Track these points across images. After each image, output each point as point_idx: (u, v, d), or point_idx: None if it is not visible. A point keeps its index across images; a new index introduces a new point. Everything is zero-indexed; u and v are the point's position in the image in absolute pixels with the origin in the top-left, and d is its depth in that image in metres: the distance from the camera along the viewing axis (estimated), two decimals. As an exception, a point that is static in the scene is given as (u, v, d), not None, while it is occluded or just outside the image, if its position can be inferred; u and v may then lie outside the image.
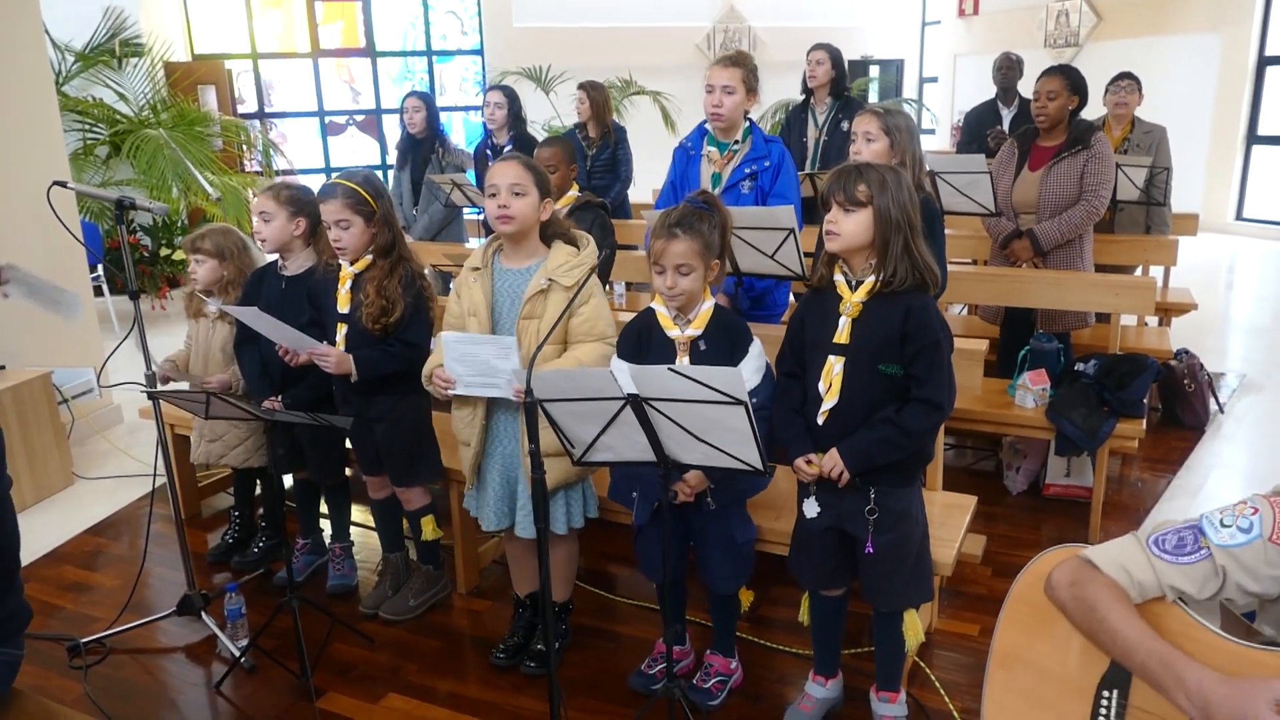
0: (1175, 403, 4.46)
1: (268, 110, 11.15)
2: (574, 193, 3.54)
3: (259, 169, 9.20)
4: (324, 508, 3.42)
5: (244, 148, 8.81)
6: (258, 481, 3.68)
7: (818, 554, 2.33)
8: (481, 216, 6.24)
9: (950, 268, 4.32)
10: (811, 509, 2.28)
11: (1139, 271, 4.98)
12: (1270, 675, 1.16)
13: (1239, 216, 10.07)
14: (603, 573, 3.36)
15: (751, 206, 3.23)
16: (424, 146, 5.55)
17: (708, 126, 3.43)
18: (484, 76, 11.90)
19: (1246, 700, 1.13)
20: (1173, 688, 1.20)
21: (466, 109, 12.20)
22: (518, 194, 2.48)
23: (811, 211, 3.68)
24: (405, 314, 2.77)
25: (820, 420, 2.18)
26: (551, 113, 9.82)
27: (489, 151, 5.49)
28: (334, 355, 2.76)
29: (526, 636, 2.87)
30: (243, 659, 2.82)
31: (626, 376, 1.86)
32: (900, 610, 2.34)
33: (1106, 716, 1.36)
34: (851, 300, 2.14)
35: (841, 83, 5.12)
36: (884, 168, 2.17)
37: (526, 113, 5.72)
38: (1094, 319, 4.09)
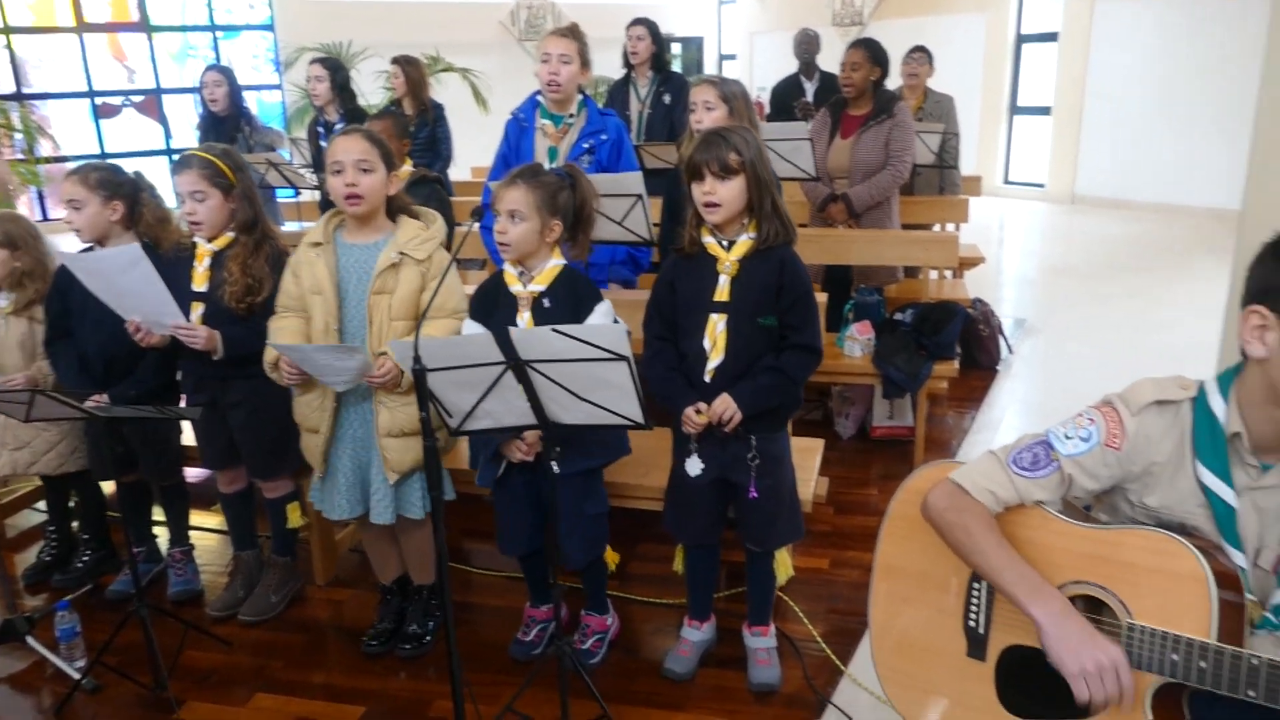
0: (974, 346, 4.94)
1: (25, 91, 10.04)
2: (407, 168, 3.45)
3: (20, 155, 8.29)
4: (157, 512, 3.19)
5: (-1, 131, 7.92)
6: (72, 491, 3.37)
7: (700, 510, 2.42)
8: (296, 199, 5.95)
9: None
10: (695, 467, 2.35)
11: (936, 229, 5.45)
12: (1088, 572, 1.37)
13: (1006, 180, 11.16)
14: (461, 549, 3.34)
15: (598, 174, 3.26)
16: (228, 124, 5.21)
17: (540, 99, 3.41)
18: (277, 53, 11.23)
19: (1082, 644, 1.32)
20: (1034, 607, 1.38)
21: (260, 88, 11.48)
22: (365, 170, 2.40)
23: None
24: (273, 292, 2.62)
25: (708, 378, 2.27)
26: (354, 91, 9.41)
27: (320, 129, 5.22)
28: (203, 332, 2.58)
29: (397, 621, 2.81)
30: (84, 680, 2.60)
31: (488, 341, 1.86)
32: (776, 549, 2.49)
33: (978, 604, 1.53)
34: (730, 260, 2.24)
35: (662, 56, 5.23)
36: (743, 130, 2.27)
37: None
38: (902, 274, 4.45)
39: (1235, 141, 7.20)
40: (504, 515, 2.53)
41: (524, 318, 2.34)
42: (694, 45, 14.18)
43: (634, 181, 2.96)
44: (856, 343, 3.71)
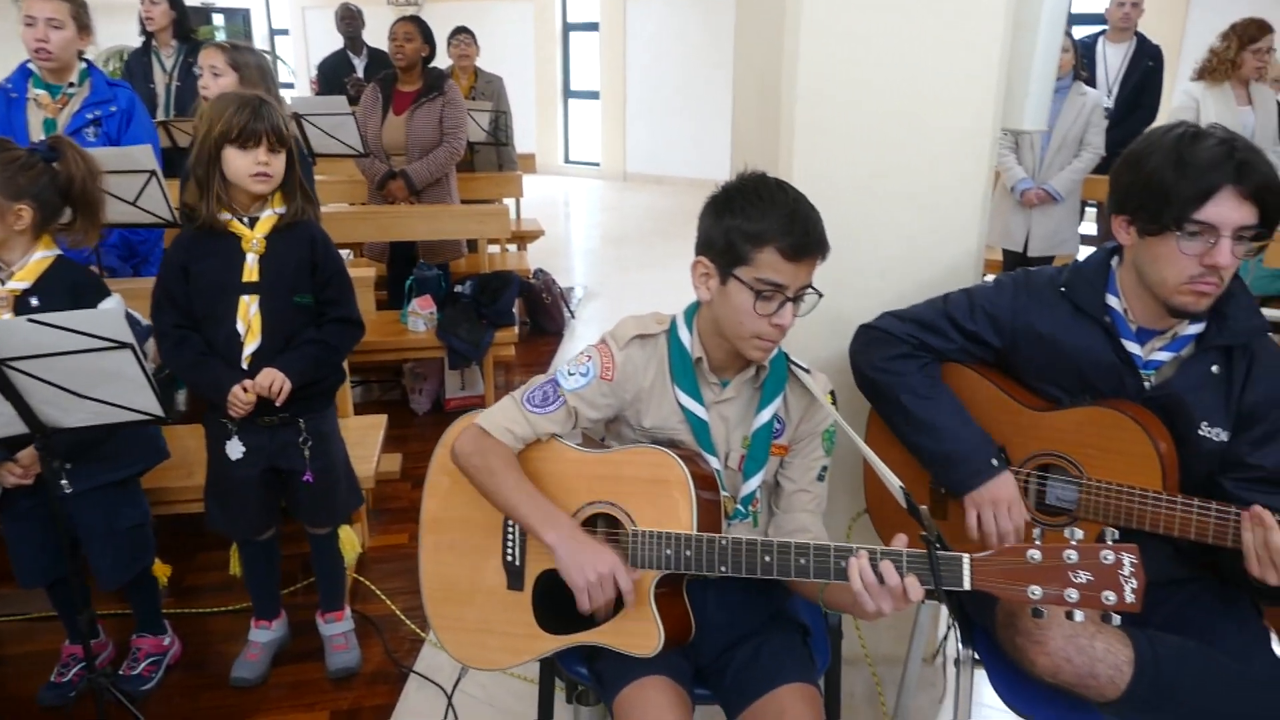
0: (538, 314, 5.24)
1: None
2: None
3: None
4: None
5: None
6: None
7: (250, 500, 2.28)
8: None
9: (332, 209, 4.43)
10: (236, 450, 2.21)
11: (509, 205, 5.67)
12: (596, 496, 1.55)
13: (567, 160, 11.90)
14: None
15: (106, 147, 2.91)
16: None
17: (32, 66, 3.00)
18: None
19: (585, 559, 1.47)
20: (547, 532, 1.51)
21: None
22: None
23: (173, 164, 3.44)
24: None
25: (246, 364, 2.13)
26: None
27: None
28: None
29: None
30: None
31: None
32: (338, 526, 2.43)
33: (513, 542, 1.64)
34: (255, 237, 2.12)
35: (185, 24, 4.76)
36: (275, 104, 2.16)
37: None
38: (467, 249, 4.57)
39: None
40: (16, 544, 2.17)
41: (3, 319, 2.01)
42: (239, 17, 13.09)
43: (144, 156, 2.67)
44: (420, 317, 3.75)
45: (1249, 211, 1.43)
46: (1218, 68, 4.11)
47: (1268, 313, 4.67)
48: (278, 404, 2.12)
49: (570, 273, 6.87)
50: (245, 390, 2.10)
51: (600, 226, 9.17)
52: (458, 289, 3.92)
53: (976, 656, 1.73)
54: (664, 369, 1.62)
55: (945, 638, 2.37)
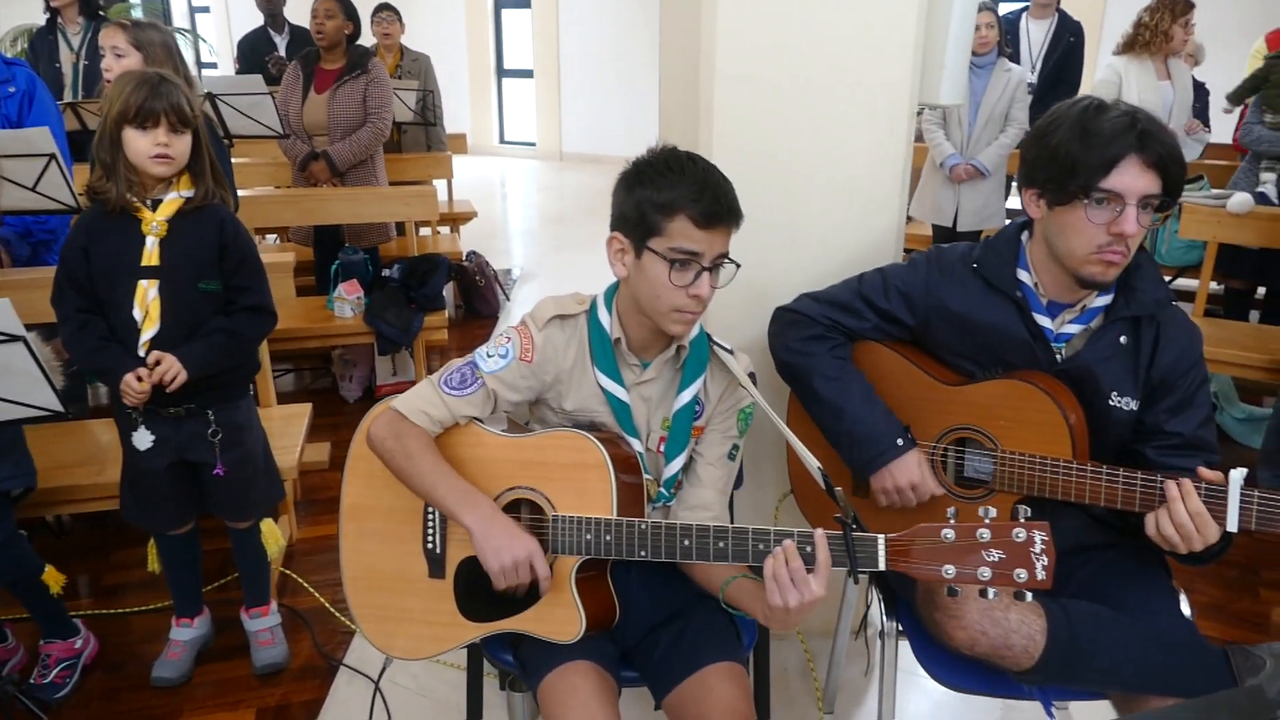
0: (472, 297, 5.16)
1: None
2: None
3: None
4: None
5: None
6: None
7: (162, 493, 2.21)
8: None
9: (254, 192, 4.30)
10: (144, 440, 2.13)
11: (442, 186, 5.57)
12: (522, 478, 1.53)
13: (502, 140, 11.74)
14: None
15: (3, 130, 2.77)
16: None
17: None
18: None
19: (502, 543, 1.45)
20: (465, 515, 1.48)
21: None
22: None
23: (83, 148, 3.29)
24: None
25: (142, 351, 2.05)
26: None
27: None
28: None
29: None
30: None
31: None
32: (259, 520, 2.37)
33: (433, 529, 1.61)
34: (157, 220, 2.03)
35: (92, 0, 4.55)
36: (180, 83, 2.08)
37: None
38: (395, 232, 4.47)
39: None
40: None
41: None
42: (156, -7, 12.60)
43: (43, 139, 2.54)
44: (346, 303, 3.66)
45: (1152, 180, 1.46)
46: (1150, 40, 4.19)
47: (1182, 282, 4.84)
48: (168, 391, 2.03)
49: (508, 254, 6.78)
50: (140, 379, 2.02)
51: (537, 207, 9.07)
52: (386, 273, 3.84)
53: (900, 629, 1.76)
54: (584, 350, 1.59)
55: (866, 612, 2.40)
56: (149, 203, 2.04)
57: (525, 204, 9.30)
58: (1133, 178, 1.45)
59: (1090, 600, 1.56)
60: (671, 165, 1.46)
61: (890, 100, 1.97)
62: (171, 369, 2.02)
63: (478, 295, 5.15)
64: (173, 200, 2.05)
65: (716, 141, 1.98)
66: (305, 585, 2.76)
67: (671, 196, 1.43)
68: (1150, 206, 1.49)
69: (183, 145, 2.01)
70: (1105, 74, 4.36)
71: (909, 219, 5.25)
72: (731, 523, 1.66)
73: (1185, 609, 1.67)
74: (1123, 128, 1.45)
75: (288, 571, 2.81)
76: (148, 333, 2.04)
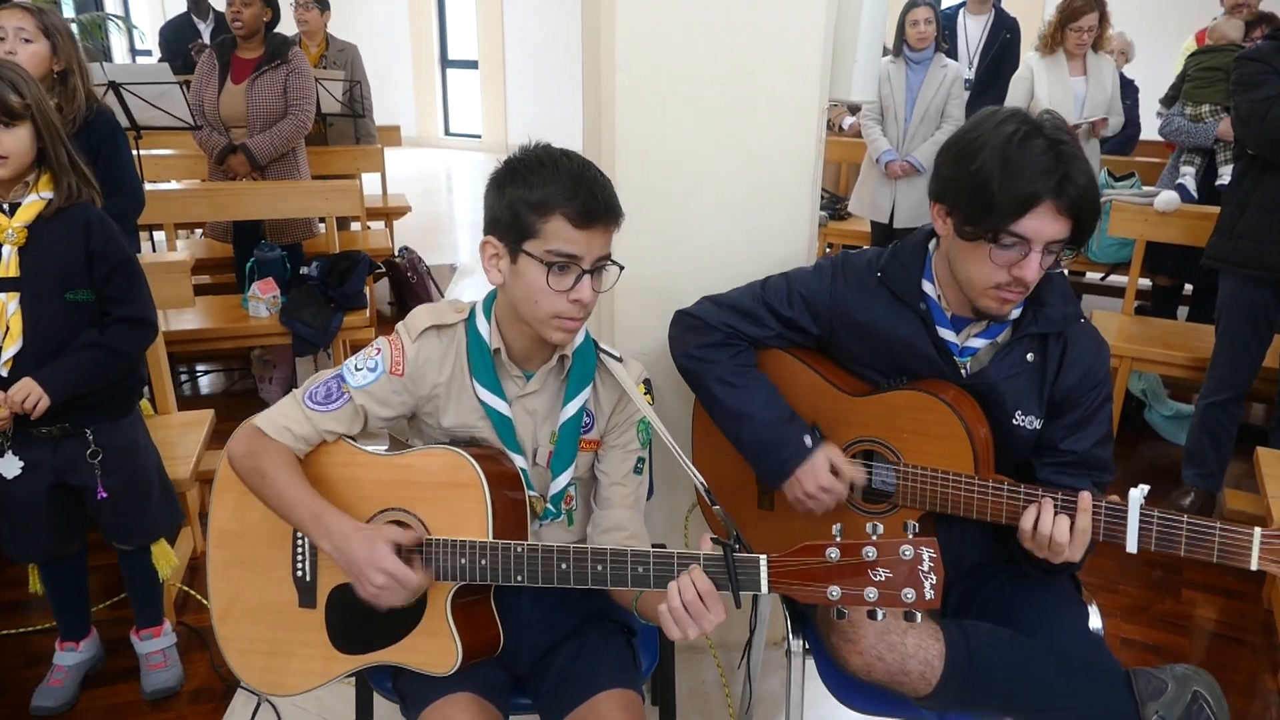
0: (404, 293, 5.01)
1: None
2: None
3: None
4: None
5: None
6: None
7: (37, 521, 2.06)
8: None
9: (169, 186, 4.12)
10: (11, 467, 1.98)
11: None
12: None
13: (447, 132, 11.53)
14: None
15: None
16: None
17: None
18: None
19: (366, 541, 1.35)
20: (321, 537, 1.38)
21: None
22: None
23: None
24: None
25: (5, 371, 1.90)
26: None
27: None
28: None
29: None
30: None
31: None
32: (150, 544, 2.23)
33: (302, 555, 1.50)
34: (13, 227, 1.87)
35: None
36: (18, 68, 1.92)
37: None
38: (320, 227, 4.31)
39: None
40: None
41: None
42: (85, -21, 12.16)
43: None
44: (261, 302, 3.51)
45: (1063, 226, 1.40)
46: (1050, 41, 4.22)
47: (1114, 279, 4.85)
48: (32, 419, 1.89)
49: (453, 249, 6.64)
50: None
51: (482, 200, 8.92)
52: (304, 270, 3.69)
53: (807, 647, 1.69)
54: (462, 362, 1.49)
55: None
56: (5, 208, 1.89)
57: (472, 196, 9.13)
58: (1044, 224, 1.39)
59: (995, 618, 1.51)
60: (544, 162, 1.37)
61: (799, 94, 1.90)
62: (32, 395, 1.87)
63: (409, 292, 5.00)
64: (33, 203, 1.89)
65: (619, 137, 1.89)
66: (206, 603, 2.62)
67: (544, 195, 1.35)
68: (1054, 251, 1.43)
69: (15, 141, 1.84)
70: (1021, 71, 4.37)
71: (848, 214, 5.24)
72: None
73: (1095, 621, 1.62)
74: (1044, 168, 1.37)
75: (188, 589, 2.67)
76: (9, 350, 1.88)
